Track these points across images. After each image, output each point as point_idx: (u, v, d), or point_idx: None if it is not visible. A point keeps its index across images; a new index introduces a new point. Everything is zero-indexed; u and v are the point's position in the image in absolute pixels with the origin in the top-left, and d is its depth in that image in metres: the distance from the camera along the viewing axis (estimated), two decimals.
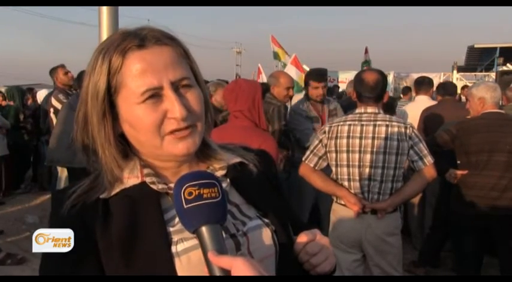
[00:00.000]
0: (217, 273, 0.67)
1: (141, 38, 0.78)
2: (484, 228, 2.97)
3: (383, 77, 2.61)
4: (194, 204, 0.70)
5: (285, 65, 13.03)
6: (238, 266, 0.65)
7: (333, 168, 2.57)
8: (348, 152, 2.48)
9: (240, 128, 2.33)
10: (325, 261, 0.87)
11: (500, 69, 15.94)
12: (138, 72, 0.77)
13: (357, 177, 2.48)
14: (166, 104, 0.77)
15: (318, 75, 4.00)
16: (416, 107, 4.64)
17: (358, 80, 2.58)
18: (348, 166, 2.49)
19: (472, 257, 3.10)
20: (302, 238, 0.86)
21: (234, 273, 0.65)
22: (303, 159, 2.64)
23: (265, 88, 3.95)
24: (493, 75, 15.81)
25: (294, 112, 4.00)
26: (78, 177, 0.86)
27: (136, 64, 0.77)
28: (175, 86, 0.78)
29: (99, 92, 0.78)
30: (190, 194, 0.70)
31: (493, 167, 2.88)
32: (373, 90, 2.50)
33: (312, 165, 2.59)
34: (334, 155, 2.52)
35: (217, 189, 0.72)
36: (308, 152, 2.63)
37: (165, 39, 0.80)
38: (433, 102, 4.69)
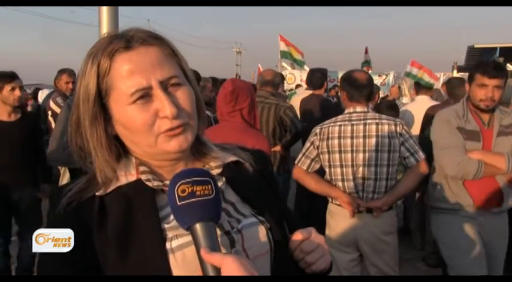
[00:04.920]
0: (210, 270, 0.68)
1: (127, 40, 0.79)
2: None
3: (371, 76, 2.68)
4: (187, 201, 0.71)
5: (300, 62, 13.06)
6: (228, 264, 0.66)
7: (327, 169, 2.59)
8: (340, 152, 2.51)
9: (232, 128, 2.34)
10: (320, 259, 0.88)
11: None
12: (126, 74, 0.78)
13: (351, 177, 2.50)
14: (156, 103, 0.78)
15: (492, 68, 2.46)
16: (416, 107, 4.62)
17: (347, 80, 2.59)
18: (341, 166, 2.51)
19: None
20: (297, 236, 0.87)
21: (224, 270, 0.66)
22: (296, 162, 2.66)
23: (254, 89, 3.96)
24: None
25: (440, 121, 2.62)
26: (79, 177, 0.86)
27: (124, 66, 0.78)
28: (164, 85, 0.79)
29: (89, 95, 0.80)
30: (183, 191, 0.71)
31: None
32: (365, 89, 2.53)
33: (304, 167, 2.61)
34: (326, 156, 2.55)
35: (211, 187, 0.73)
36: (300, 155, 2.64)
37: (151, 39, 0.81)
38: (434, 102, 4.68)
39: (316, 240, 0.88)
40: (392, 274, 2.56)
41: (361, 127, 2.48)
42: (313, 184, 2.62)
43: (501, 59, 17.80)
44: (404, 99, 9.68)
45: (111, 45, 0.79)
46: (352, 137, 2.49)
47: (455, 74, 13.50)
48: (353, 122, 2.51)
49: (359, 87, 2.53)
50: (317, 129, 2.59)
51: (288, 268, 0.87)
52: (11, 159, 3.34)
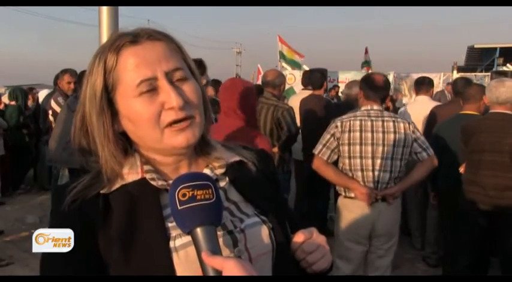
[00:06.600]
0: (211, 273, 0.68)
1: (134, 35, 0.80)
2: (486, 226, 2.98)
3: (388, 80, 2.95)
4: (187, 205, 0.70)
5: (296, 64, 13.08)
6: (230, 266, 0.66)
7: (346, 160, 2.77)
8: (361, 144, 2.72)
9: (232, 127, 2.36)
10: (322, 259, 0.88)
11: (499, 69, 15.95)
12: (132, 67, 0.78)
13: (370, 168, 2.71)
14: (162, 95, 0.78)
15: None
16: (416, 108, 4.62)
17: (366, 81, 2.84)
18: (361, 157, 2.72)
19: (469, 254, 3.11)
20: (299, 236, 0.87)
21: (225, 273, 0.66)
22: (316, 152, 2.83)
23: (259, 89, 3.93)
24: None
25: None
26: (78, 177, 0.85)
27: (129, 59, 0.79)
28: (170, 77, 0.79)
29: (96, 91, 0.80)
30: (184, 195, 0.71)
31: (494, 167, 2.89)
32: (382, 91, 2.79)
33: (325, 158, 2.78)
34: (346, 147, 2.75)
35: (212, 191, 0.73)
36: (320, 146, 2.81)
37: (157, 35, 0.82)
38: (433, 102, 4.68)
39: (317, 240, 0.88)
40: (391, 258, 2.88)
41: (380, 123, 2.72)
42: (332, 175, 2.81)
43: (501, 59, 17.83)
44: (405, 99, 9.70)
45: (118, 41, 0.80)
46: (372, 131, 2.71)
47: (455, 74, 13.52)
48: (372, 118, 2.74)
49: (376, 88, 2.77)
50: (337, 122, 2.78)
51: (289, 268, 0.87)
52: None
